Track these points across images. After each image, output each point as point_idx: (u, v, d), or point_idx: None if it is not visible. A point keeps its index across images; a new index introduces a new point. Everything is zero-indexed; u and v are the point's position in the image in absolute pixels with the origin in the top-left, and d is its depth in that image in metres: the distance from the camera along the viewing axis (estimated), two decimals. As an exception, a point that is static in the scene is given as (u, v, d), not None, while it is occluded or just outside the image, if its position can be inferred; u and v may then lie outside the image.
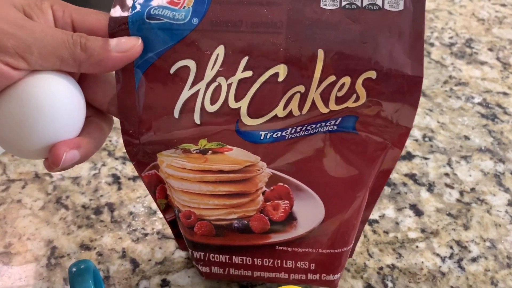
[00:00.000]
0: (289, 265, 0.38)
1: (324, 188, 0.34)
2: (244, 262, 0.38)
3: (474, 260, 0.44)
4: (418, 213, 0.48)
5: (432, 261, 0.44)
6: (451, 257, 0.44)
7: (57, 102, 0.28)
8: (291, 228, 0.36)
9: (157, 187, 0.36)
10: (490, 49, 0.70)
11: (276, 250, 0.37)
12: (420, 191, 0.50)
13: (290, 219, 0.35)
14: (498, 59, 0.68)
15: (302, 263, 0.37)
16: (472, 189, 0.51)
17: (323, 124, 0.31)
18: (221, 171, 0.33)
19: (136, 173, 0.52)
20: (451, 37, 0.72)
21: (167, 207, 0.38)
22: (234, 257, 0.38)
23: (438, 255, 0.45)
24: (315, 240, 0.36)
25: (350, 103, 0.30)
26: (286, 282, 0.39)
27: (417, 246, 0.45)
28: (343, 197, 0.34)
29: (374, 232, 0.46)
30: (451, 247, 0.45)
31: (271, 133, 0.31)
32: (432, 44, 0.71)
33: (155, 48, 0.30)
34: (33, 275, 0.43)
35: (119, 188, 0.51)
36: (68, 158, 0.29)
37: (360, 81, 0.29)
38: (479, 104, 0.61)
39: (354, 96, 0.30)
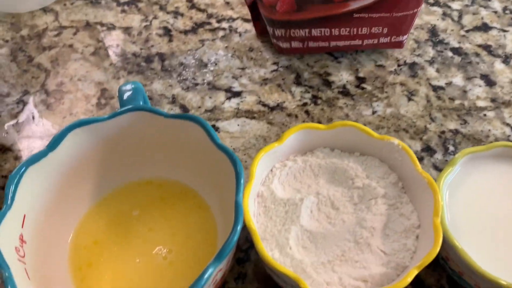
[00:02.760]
0: (364, 32, 0.42)
1: None
2: (323, 34, 0.42)
3: (548, 133, 0.40)
4: (490, 83, 0.44)
5: (501, 130, 0.40)
6: (522, 128, 0.41)
7: None
8: None
9: None
10: None
11: (354, 17, 0.40)
12: (494, 62, 0.45)
13: None
14: None
15: (376, 28, 0.42)
16: (555, 65, 0.45)
17: None
18: None
19: (187, 28, 0.50)
20: None
21: None
22: (313, 30, 0.42)
23: (508, 124, 0.41)
24: (391, 4, 0.39)
25: None
26: (359, 48, 0.44)
27: (485, 115, 0.42)
28: None
29: (439, 98, 0.43)
30: (524, 119, 0.41)
31: None
32: None
33: None
34: (83, 111, 0.43)
35: (170, 40, 0.49)
36: None
37: None
38: None
39: None
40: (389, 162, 0.32)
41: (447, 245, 0.29)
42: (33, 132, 0.42)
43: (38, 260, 0.29)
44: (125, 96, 0.33)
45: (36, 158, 0.29)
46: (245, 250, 0.34)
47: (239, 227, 0.26)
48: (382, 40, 0.43)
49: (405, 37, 0.43)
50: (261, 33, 0.48)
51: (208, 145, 0.30)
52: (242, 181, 0.28)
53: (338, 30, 0.42)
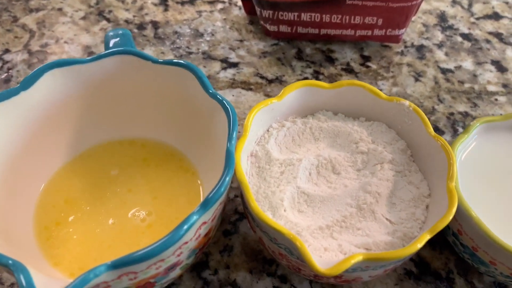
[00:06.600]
0: (357, 21, 0.38)
1: None
2: (313, 19, 0.39)
3: (563, 121, 0.38)
4: (501, 69, 0.42)
5: (513, 114, 0.38)
6: (535, 114, 0.38)
7: None
8: None
9: None
10: None
11: (347, 4, 0.37)
12: (505, 50, 0.43)
13: None
14: None
15: (370, 18, 0.38)
16: None
17: None
18: None
19: (185, -1, 0.48)
20: None
21: None
22: (303, 14, 0.39)
23: (520, 110, 0.38)
24: None
25: None
26: (351, 39, 0.41)
27: (496, 99, 0.39)
28: None
29: (447, 80, 0.40)
30: (537, 106, 0.39)
31: None
32: None
33: None
34: (68, 72, 0.40)
35: (166, 10, 0.46)
36: None
37: None
38: None
39: None
40: (397, 128, 0.29)
41: (460, 216, 0.25)
42: (11, 91, 0.39)
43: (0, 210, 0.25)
44: (112, 42, 0.30)
45: (5, 95, 0.26)
46: (233, 222, 0.31)
47: (228, 177, 0.23)
48: (377, 32, 0.40)
49: (401, 31, 0.40)
50: (250, 13, 0.45)
51: (200, 94, 0.27)
52: (235, 129, 0.24)
53: (329, 16, 0.39)
